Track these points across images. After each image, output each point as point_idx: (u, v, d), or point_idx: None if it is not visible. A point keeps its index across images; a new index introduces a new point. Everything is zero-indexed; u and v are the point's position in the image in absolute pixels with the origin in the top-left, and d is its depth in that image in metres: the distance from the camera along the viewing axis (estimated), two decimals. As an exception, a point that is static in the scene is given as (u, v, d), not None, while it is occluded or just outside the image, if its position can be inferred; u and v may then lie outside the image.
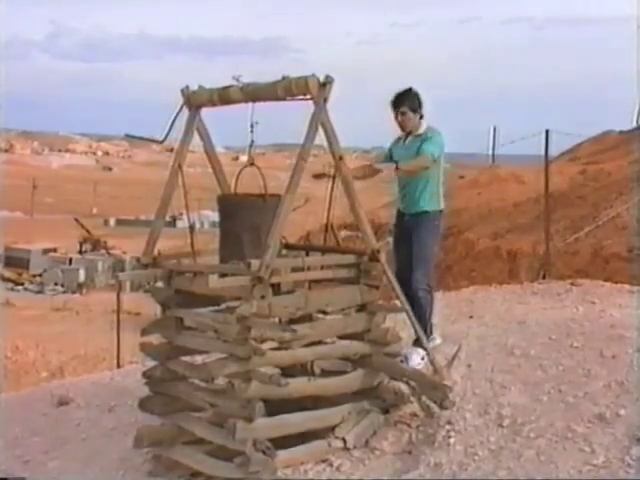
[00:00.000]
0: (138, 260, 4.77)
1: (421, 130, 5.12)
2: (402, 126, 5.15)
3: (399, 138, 5.26)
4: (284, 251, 4.79)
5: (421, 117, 5.14)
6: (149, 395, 4.82)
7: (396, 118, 5.14)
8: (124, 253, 50.60)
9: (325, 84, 4.30)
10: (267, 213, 4.35)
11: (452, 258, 15.66)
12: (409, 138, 5.15)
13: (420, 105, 5.12)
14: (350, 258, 4.65)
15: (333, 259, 4.72)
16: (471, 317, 6.76)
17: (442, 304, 7.61)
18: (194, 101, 4.76)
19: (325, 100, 4.33)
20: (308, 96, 4.34)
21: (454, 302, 7.64)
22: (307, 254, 4.84)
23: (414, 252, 4.93)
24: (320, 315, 4.65)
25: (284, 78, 4.36)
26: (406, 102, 5.09)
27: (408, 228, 5.05)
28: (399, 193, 5.23)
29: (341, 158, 4.54)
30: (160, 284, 4.74)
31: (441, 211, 5.19)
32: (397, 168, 4.79)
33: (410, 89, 5.13)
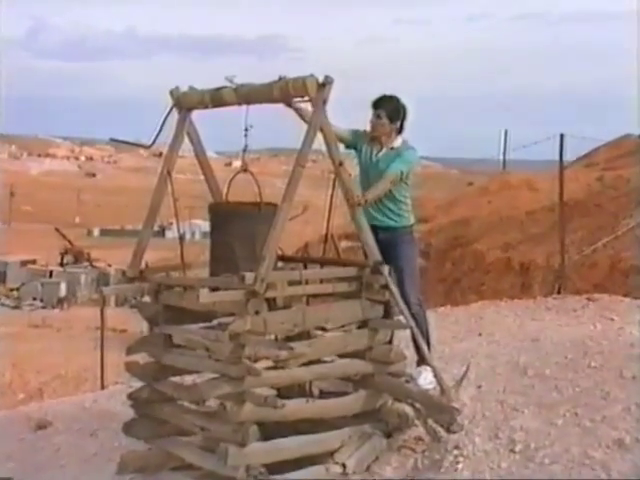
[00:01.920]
0: (124, 273, 4.78)
1: (396, 144, 5.14)
2: (372, 128, 5.16)
3: (372, 140, 5.19)
4: (280, 263, 4.79)
5: (399, 132, 5.15)
6: (134, 418, 4.81)
7: (371, 119, 5.16)
8: (108, 265, 50.62)
9: (324, 85, 4.32)
10: (262, 223, 4.36)
11: (460, 271, 15.67)
12: (382, 151, 5.16)
13: (400, 118, 5.13)
14: (351, 271, 4.66)
15: (333, 272, 4.72)
16: (480, 334, 6.76)
17: (449, 320, 7.63)
18: (184, 103, 4.78)
19: (324, 102, 4.36)
20: (306, 98, 4.36)
21: (462, 318, 7.65)
22: (305, 266, 4.84)
23: (399, 268, 4.95)
24: (319, 332, 4.65)
25: (280, 79, 4.38)
26: (386, 107, 5.11)
27: (384, 244, 4.98)
28: (369, 207, 5.20)
29: (341, 164, 4.56)
30: (147, 299, 4.74)
31: (413, 224, 5.30)
32: (366, 201, 4.75)
33: (395, 98, 5.15)
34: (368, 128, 5.20)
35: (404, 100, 5.19)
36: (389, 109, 5.11)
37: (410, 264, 5.15)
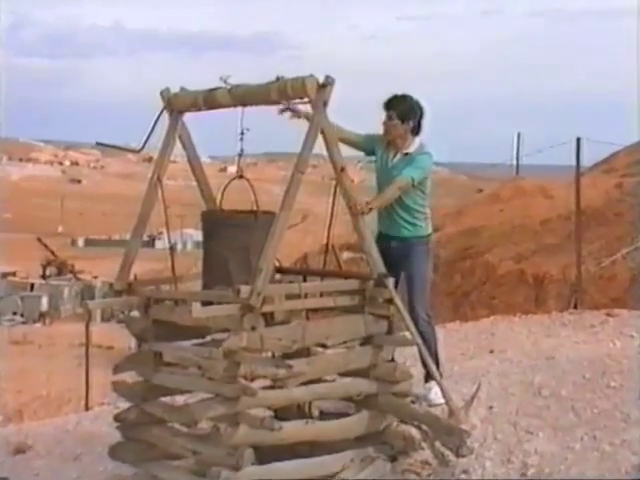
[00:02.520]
0: (110, 286, 4.81)
1: (412, 149, 5.15)
2: (385, 131, 5.19)
3: (388, 145, 5.21)
4: (278, 276, 4.80)
5: (415, 133, 5.17)
6: (121, 441, 4.81)
7: (383, 121, 5.19)
8: (94, 278, 50.59)
9: (325, 85, 4.34)
10: (259, 232, 4.38)
11: (470, 283, 15.65)
12: (397, 156, 5.18)
13: (414, 118, 5.15)
14: (353, 284, 4.67)
15: (334, 285, 4.74)
16: (492, 352, 6.77)
17: (459, 336, 7.63)
18: (176, 105, 4.81)
19: (325, 104, 4.38)
20: (306, 99, 4.38)
21: (472, 334, 7.65)
22: (304, 279, 4.85)
23: (410, 280, 4.96)
24: (319, 349, 4.66)
25: (278, 79, 4.41)
26: (397, 107, 5.14)
27: (396, 254, 5.02)
28: (380, 214, 5.23)
29: (343, 169, 4.58)
30: (136, 313, 4.75)
31: (430, 234, 5.31)
32: (370, 209, 4.74)
33: (408, 96, 5.18)
34: (382, 131, 5.22)
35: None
36: (400, 109, 5.13)
37: (422, 277, 5.14)
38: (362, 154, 5.34)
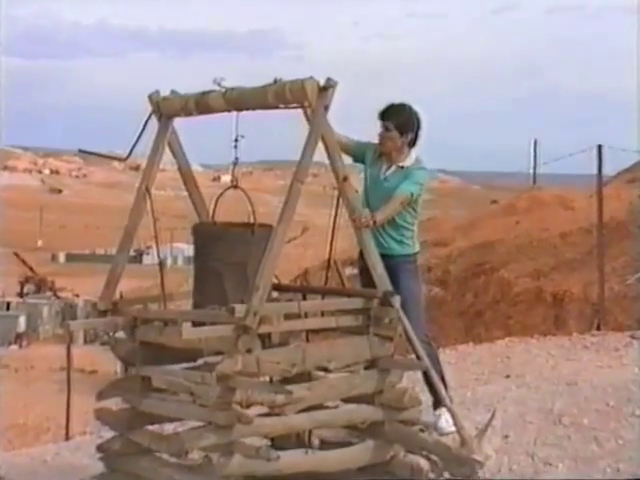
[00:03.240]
0: (94, 305, 4.79)
1: (408, 162, 5.18)
2: (381, 143, 5.21)
3: (380, 156, 5.24)
4: (276, 294, 4.81)
5: (411, 145, 5.20)
6: (104, 473, 4.79)
7: (379, 132, 5.20)
8: (76, 296, 50.61)
9: (326, 89, 4.37)
10: (255, 247, 4.39)
11: (483, 302, 15.66)
12: (391, 169, 5.20)
13: (412, 130, 5.18)
14: (357, 302, 4.68)
15: (336, 303, 4.74)
16: (508, 376, 6.76)
17: (471, 360, 7.63)
18: (165, 109, 4.83)
19: (326, 108, 4.41)
20: (306, 103, 4.41)
21: (486, 357, 7.65)
22: (304, 297, 4.86)
23: (401, 303, 4.93)
24: (320, 373, 4.66)
25: (276, 81, 4.43)
26: (395, 118, 5.15)
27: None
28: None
29: (346, 179, 4.60)
30: (122, 335, 4.75)
31: (417, 252, 5.35)
32: (374, 223, 4.80)
33: (407, 106, 5.20)
34: (377, 141, 5.25)
35: (417, 107, 5.23)
36: (398, 120, 5.15)
37: (414, 296, 5.16)
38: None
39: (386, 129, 5.17)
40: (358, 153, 5.28)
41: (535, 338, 8.64)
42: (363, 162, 5.30)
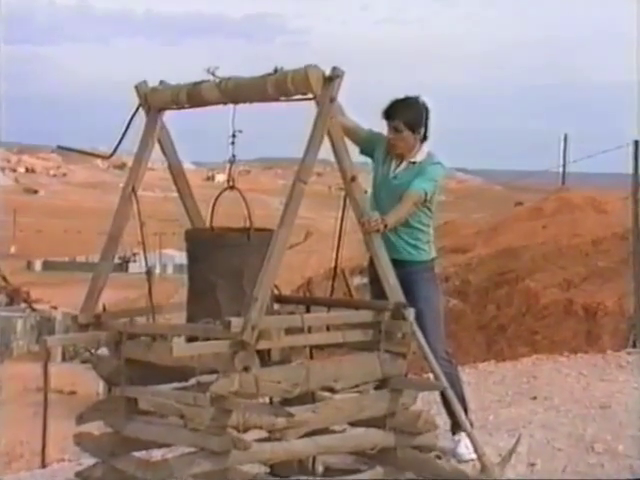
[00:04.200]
0: (74, 318, 4.81)
1: (419, 157, 5.17)
2: (392, 146, 5.18)
3: (388, 156, 5.24)
4: (276, 306, 4.82)
5: (423, 139, 5.20)
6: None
7: (387, 132, 5.18)
8: (54, 308, 50.59)
9: (332, 78, 4.38)
10: (253, 254, 4.41)
11: (507, 315, 15.64)
12: (402, 166, 5.19)
13: (424, 124, 5.17)
14: (366, 315, 4.69)
15: (343, 316, 4.76)
16: (534, 398, 6.76)
17: (494, 379, 7.63)
18: (154, 101, 4.85)
19: (332, 100, 4.42)
20: (309, 95, 4.42)
21: (510, 377, 7.64)
22: (308, 310, 4.87)
23: (419, 315, 4.90)
24: (326, 394, 4.67)
25: (277, 71, 4.45)
26: (403, 115, 5.12)
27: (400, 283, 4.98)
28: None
29: (354, 179, 4.61)
30: (105, 352, 4.77)
31: (434, 258, 5.34)
32: (385, 226, 4.76)
33: (414, 99, 5.17)
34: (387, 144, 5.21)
35: (427, 97, 5.19)
36: (408, 117, 5.12)
37: (432, 308, 5.16)
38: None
39: (395, 130, 5.13)
40: (367, 145, 5.25)
41: (564, 356, 8.63)
42: (370, 155, 5.29)
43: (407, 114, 5.13)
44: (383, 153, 5.26)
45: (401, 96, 5.18)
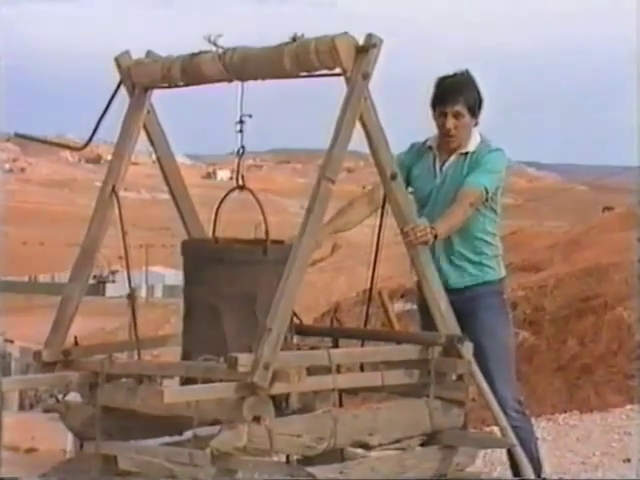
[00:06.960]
0: (36, 355, 4.83)
1: (471, 146, 5.14)
2: (448, 134, 5.11)
3: (429, 150, 5.22)
4: (296, 338, 4.84)
5: (476, 123, 5.19)
6: None
7: (440, 121, 5.12)
8: (9, 342, 50.81)
9: (366, 49, 4.40)
10: (268, 272, 4.43)
11: (592, 353, 15.58)
12: (450, 159, 5.15)
13: (481, 104, 5.17)
14: (411, 351, 4.70)
15: (381, 352, 4.77)
16: (628, 460, 6.75)
17: (577, 435, 7.62)
18: (139, 78, 4.88)
19: (366, 76, 4.43)
20: (337, 70, 4.44)
21: (597, 432, 7.64)
22: (336, 344, 4.89)
23: (483, 352, 4.88)
24: (358, 450, 4.68)
25: (295, 39, 4.47)
26: (465, 97, 5.10)
27: (457, 313, 4.93)
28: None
29: (394, 177, 4.62)
30: (76, 397, 4.79)
31: (504, 278, 5.31)
32: (436, 236, 4.70)
33: (467, 75, 5.16)
34: (434, 134, 5.20)
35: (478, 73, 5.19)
36: (469, 99, 5.12)
37: (500, 343, 5.16)
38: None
39: (455, 116, 5.08)
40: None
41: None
42: (409, 184, 5.15)
43: (468, 95, 5.13)
44: (419, 163, 5.21)
45: (449, 73, 5.17)
